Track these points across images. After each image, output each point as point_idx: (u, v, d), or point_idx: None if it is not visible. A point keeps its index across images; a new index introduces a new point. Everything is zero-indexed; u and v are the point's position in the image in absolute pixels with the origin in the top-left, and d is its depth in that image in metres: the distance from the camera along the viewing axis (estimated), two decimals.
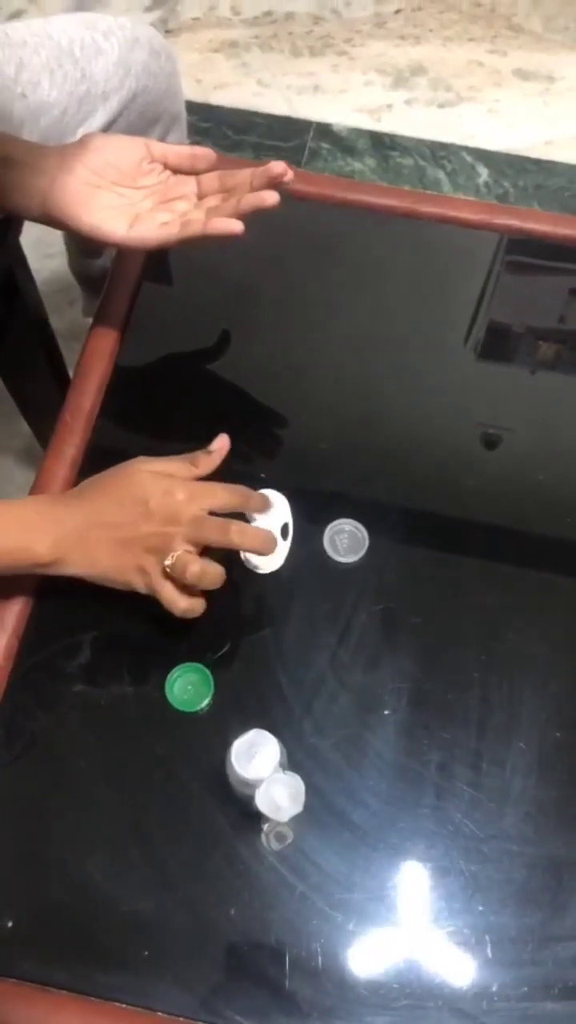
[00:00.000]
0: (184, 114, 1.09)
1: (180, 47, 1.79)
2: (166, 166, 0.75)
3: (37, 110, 0.89)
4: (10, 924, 0.61)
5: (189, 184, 0.75)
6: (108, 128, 0.95)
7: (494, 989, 0.60)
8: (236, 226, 0.70)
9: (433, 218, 0.92)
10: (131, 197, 0.73)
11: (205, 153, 0.75)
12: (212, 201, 0.73)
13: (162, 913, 0.62)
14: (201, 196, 0.74)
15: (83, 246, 1.27)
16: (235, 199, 0.71)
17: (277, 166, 0.71)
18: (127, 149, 0.73)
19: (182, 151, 0.75)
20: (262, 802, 0.59)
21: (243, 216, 0.70)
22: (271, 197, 0.70)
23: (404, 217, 0.92)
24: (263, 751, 0.60)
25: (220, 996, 0.60)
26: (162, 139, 1.04)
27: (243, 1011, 0.59)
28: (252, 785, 0.59)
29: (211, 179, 0.74)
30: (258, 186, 0.71)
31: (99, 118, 0.93)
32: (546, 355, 0.86)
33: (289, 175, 0.71)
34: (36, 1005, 0.59)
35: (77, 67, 0.91)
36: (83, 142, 0.73)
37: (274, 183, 0.71)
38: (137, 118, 0.98)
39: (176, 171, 0.75)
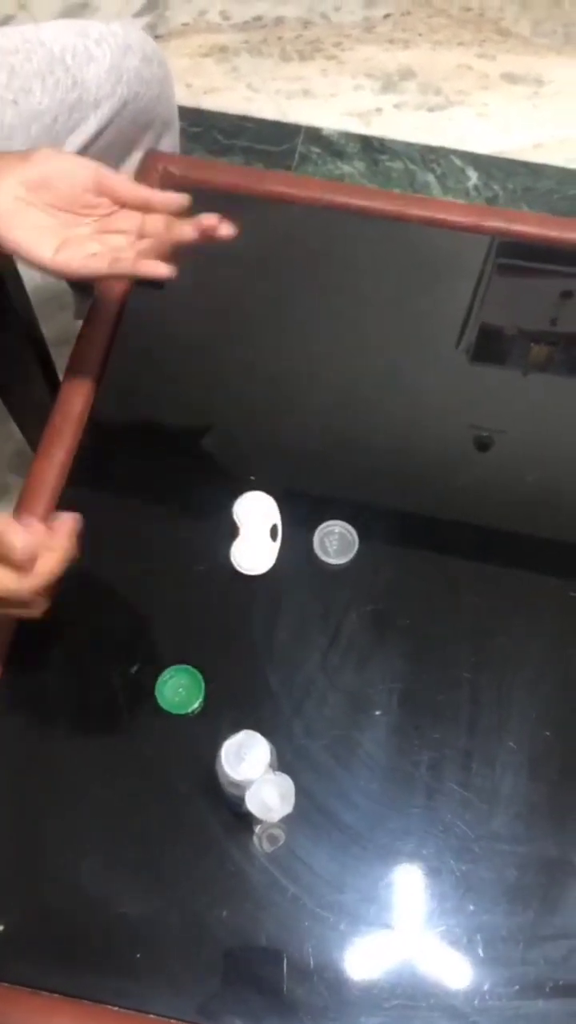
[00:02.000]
0: (177, 120, 1.09)
1: (170, 52, 1.79)
2: (115, 200, 0.71)
3: (28, 117, 0.89)
4: (1, 928, 0.61)
5: (132, 220, 0.71)
6: (100, 134, 0.95)
7: (486, 988, 0.61)
8: (163, 269, 0.67)
9: (423, 221, 0.92)
10: (63, 219, 0.69)
11: (178, 199, 0.71)
12: (145, 244, 0.70)
13: (154, 915, 0.62)
14: (141, 236, 0.70)
15: None
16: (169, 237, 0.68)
17: (209, 218, 0.67)
18: (72, 172, 0.69)
19: (138, 191, 0.71)
20: (252, 803, 0.59)
21: (172, 254, 0.68)
22: (189, 232, 0.67)
23: (394, 220, 0.92)
24: (253, 752, 0.60)
25: (212, 997, 0.60)
26: (155, 145, 1.04)
27: (235, 1012, 0.59)
28: (242, 786, 0.60)
29: (156, 221, 0.70)
30: (191, 231, 0.68)
31: (90, 125, 0.93)
32: (538, 357, 0.87)
33: (225, 230, 0.68)
34: (29, 1009, 0.60)
35: (69, 74, 0.91)
36: (26, 154, 0.69)
37: (206, 235, 0.68)
38: (129, 124, 0.98)
39: (126, 207, 0.71)
